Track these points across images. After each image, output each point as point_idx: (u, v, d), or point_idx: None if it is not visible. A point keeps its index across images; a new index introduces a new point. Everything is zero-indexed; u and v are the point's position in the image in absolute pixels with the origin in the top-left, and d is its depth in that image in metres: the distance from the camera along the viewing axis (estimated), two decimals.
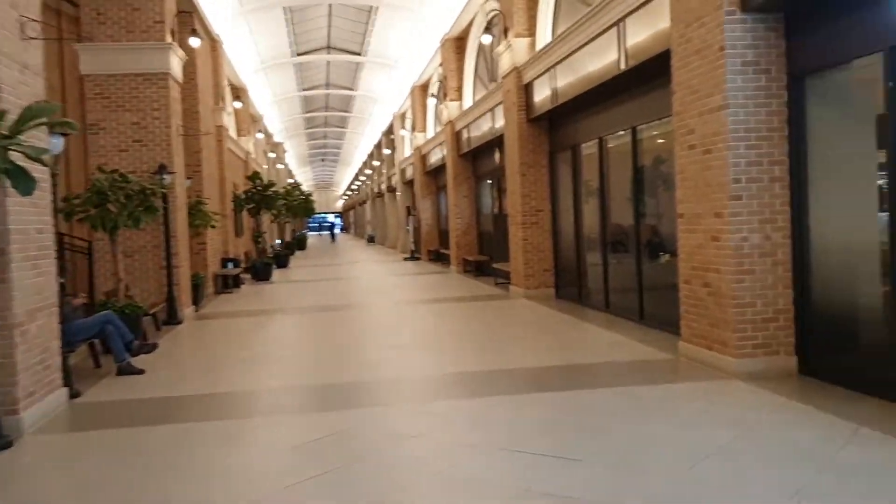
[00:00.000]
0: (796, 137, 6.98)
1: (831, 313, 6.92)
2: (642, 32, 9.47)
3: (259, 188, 24.19)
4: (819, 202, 6.94)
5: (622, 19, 10.03)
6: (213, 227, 16.71)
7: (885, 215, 6.11)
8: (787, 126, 7.01)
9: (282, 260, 28.49)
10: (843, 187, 6.89)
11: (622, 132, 11.24)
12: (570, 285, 13.94)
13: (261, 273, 22.33)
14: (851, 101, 6.85)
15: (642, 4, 9.38)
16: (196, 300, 14.99)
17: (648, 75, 9.63)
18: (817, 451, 4.90)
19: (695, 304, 7.68)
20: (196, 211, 15.62)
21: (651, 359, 8.19)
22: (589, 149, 12.81)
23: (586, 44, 11.35)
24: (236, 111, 25.70)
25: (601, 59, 10.87)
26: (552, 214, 14.60)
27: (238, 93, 26.53)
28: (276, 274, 24.40)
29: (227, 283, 19.06)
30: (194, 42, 14.73)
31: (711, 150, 7.24)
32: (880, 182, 6.43)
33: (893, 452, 4.79)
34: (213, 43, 20.01)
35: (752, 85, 6.98)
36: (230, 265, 20.08)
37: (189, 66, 15.70)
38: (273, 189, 24.89)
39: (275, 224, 36.39)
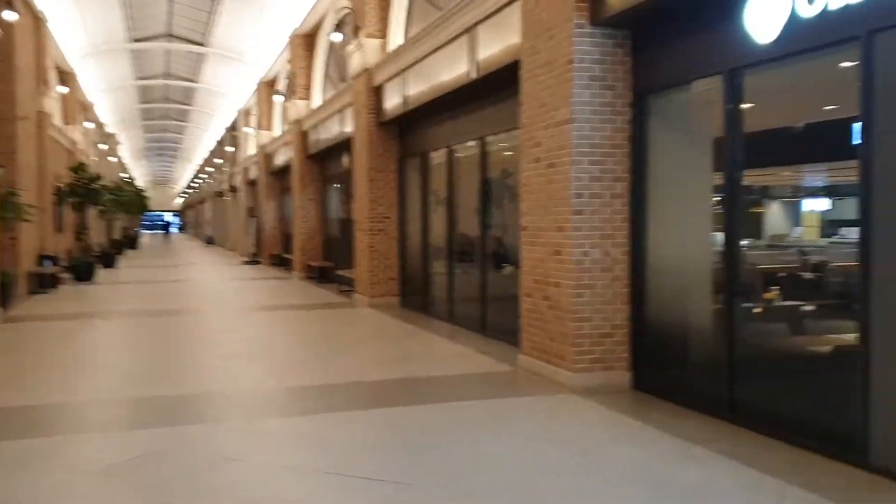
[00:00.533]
0: (638, 155, 7.07)
1: (664, 330, 7.05)
2: (493, 42, 9.40)
3: (84, 181, 22.40)
4: (657, 220, 7.06)
5: (473, 27, 9.93)
6: (27, 220, 15.19)
7: (718, 235, 6.26)
8: (629, 143, 7.09)
9: (108, 259, 26.55)
10: (679, 207, 7.04)
11: (471, 142, 11.16)
12: (415, 294, 13.73)
13: (83, 273, 20.62)
14: (691, 121, 7.03)
15: (493, 13, 9.31)
16: (4, 301, 13.52)
17: (499, 86, 9.57)
18: (651, 470, 4.87)
19: (536, 317, 7.62)
20: (7, 202, 14.12)
21: (491, 371, 8.07)
22: (438, 157, 12.67)
23: (437, 49, 11.19)
24: (63, 97, 23.72)
25: (452, 67, 10.73)
26: (399, 222, 14.34)
27: (65, 77, 24.52)
28: (102, 274, 22.68)
29: (44, 283, 17.43)
30: (9, 15, 13.32)
31: (556, 163, 7.21)
32: (714, 203, 6.62)
33: (723, 472, 4.83)
34: (35, 20, 18.31)
35: (598, 100, 7.00)
36: (47, 263, 18.38)
37: (6, 44, 14.21)
38: (100, 182, 23.14)
39: (103, 220, 33.97)
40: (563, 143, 7.07)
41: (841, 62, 5.11)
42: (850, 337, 5.92)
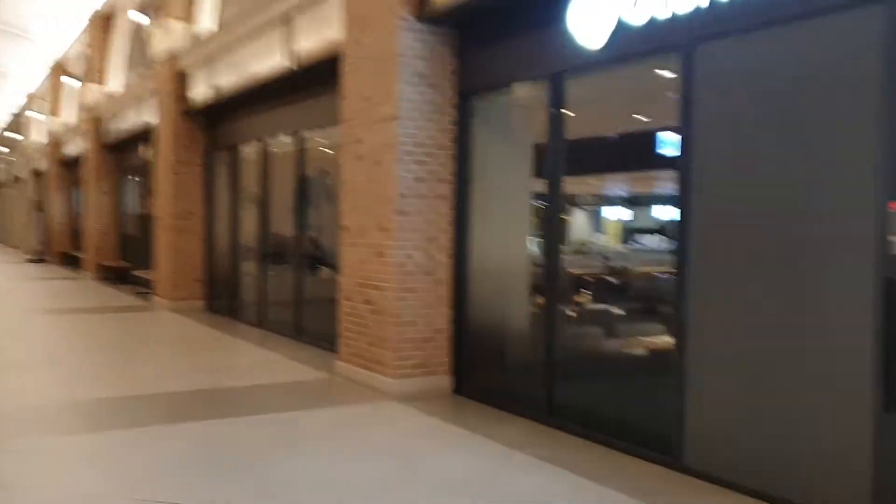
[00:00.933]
0: (462, 157, 6.95)
1: (485, 333, 6.99)
2: (313, 32, 8.97)
3: None
4: (480, 224, 6.98)
5: (291, 15, 9.44)
6: None
7: (537, 240, 6.28)
8: (454, 145, 6.96)
9: None
10: (501, 211, 7.02)
11: (287, 137, 10.63)
12: (223, 298, 12.92)
13: None
14: (513, 125, 7.03)
15: (314, 1, 8.88)
16: None
17: (318, 78, 9.13)
18: (475, 480, 4.70)
19: (355, 321, 7.30)
20: None
21: (307, 379, 7.64)
22: (251, 151, 11.99)
23: (251, 37, 10.55)
24: None
25: (267, 56, 10.16)
26: (206, 220, 13.45)
27: None
28: None
29: None
30: None
31: (380, 161, 6.94)
32: (533, 208, 6.65)
33: (546, 479, 4.75)
34: None
35: (423, 98, 6.81)
36: None
37: None
38: None
39: None
40: (388, 141, 6.81)
41: (665, 71, 5.22)
42: (663, 340, 6.16)
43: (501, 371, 6.89)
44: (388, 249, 6.79)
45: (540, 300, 6.26)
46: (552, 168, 5.90)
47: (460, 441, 5.54)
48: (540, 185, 6.23)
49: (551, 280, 5.95)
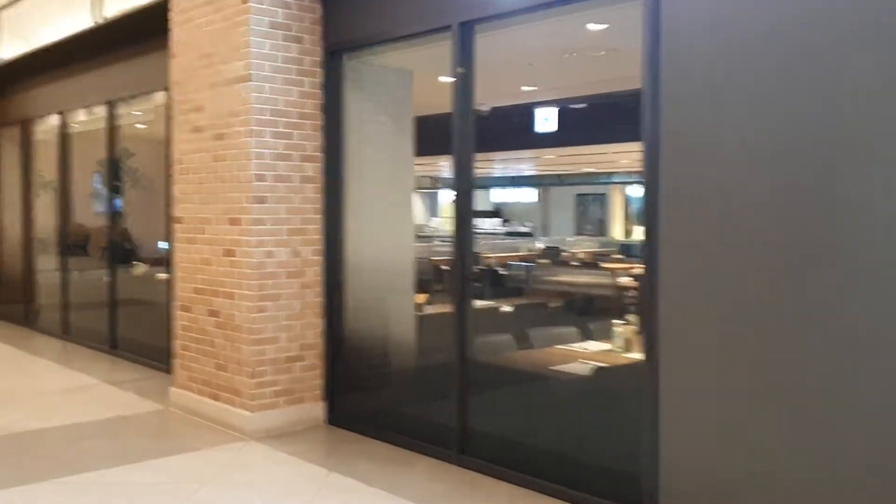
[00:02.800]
0: (333, 129, 5.59)
1: (367, 347, 5.73)
2: None
3: None
4: (356, 212, 5.68)
5: None
6: None
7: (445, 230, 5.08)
8: (322, 114, 5.58)
9: None
10: (383, 195, 5.78)
11: (94, 108, 8.69)
12: (13, 302, 10.61)
13: None
14: (396, 92, 5.79)
15: None
16: None
17: (136, 34, 7.34)
18: None
19: (197, 338, 5.75)
20: None
21: (134, 413, 5.99)
22: (46, 127, 9.83)
23: None
24: None
25: (63, 8, 8.17)
26: None
27: None
28: None
29: None
30: None
31: (227, 134, 5.44)
32: (429, 191, 5.45)
33: None
34: None
35: (282, 55, 5.37)
36: None
37: None
38: None
39: None
40: (238, 109, 5.32)
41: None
42: (612, 351, 5.19)
43: (392, 394, 5.66)
44: (242, 246, 5.32)
45: (437, 301, 5.10)
46: (460, 143, 4.70)
47: (347, 497, 4.25)
48: (420, 165, 5.03)
49: (460, 276, 4.77)
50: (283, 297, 5.41)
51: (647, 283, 3.73)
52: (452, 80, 4.66)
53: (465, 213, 4.73)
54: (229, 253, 5.43)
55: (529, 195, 20.59)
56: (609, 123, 7.65)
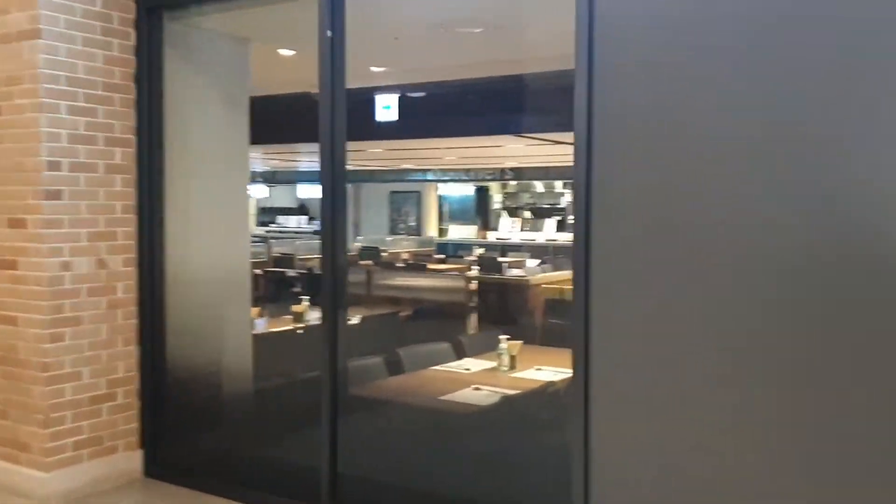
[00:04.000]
0: (150, 106, 4.44)
1: (193, 379, 4.65)
2: None
3: None
4: (180, 210, 4.58)
5: None
6: None
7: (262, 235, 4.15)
8: (136, 86, 4.42)
9: None
10: (213, 190, 4.74)
11: None
12: None
13: None
14: (233, 62, 4.78)
15: None
16: None
17: None
18: None
19: None
20: None
21: None
22: None
23: None
24: None
25: None
26: None
27: None
28: None
29: None
30: None
31: (5, 108, 4.14)
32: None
33: None
34: None
35: (82, 7, 4.16)
36: None
37: None
38: None
39: None
40: (21, 74, 4.05)
41: None
42: (481, 367, 4.48)
43: (231, 434, 4.61)
44: (29, 256, 4.05)
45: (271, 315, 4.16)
46: (331, 127, 3.79)
47: None
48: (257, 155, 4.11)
49: (333, 286, 3.86)
50: (86, 320, 4.20)
51: (577, 290, 3.07)
52: (318, 47, 3.75)
53: (336, 211, 3.84)
54: (10, 265, 4.12)
55: None
56: (473, 113, 7.01)
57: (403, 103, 6.90)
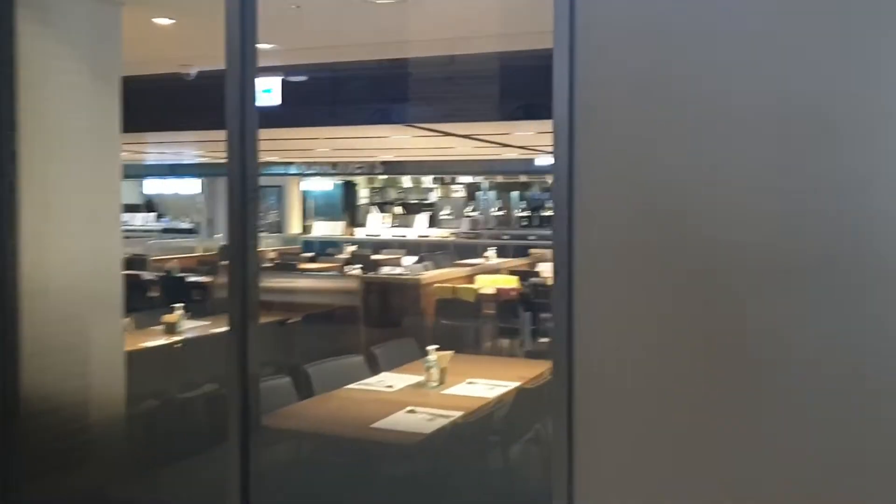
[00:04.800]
0: (3, 85, 3.64)
1: (55, 409, 3.88)
2: None
3: None
4: (37, 204, 3.79)
5: None
6: None
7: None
8: None
9: None
10: (79, 181, 3.98)
11: None
12: None
13: None
14: (101, 30, 4.05)
15: None
16: None
17: None
18: None
19: None
20: None
21: None
22: None
23: None
24: None
25: None
26: None
27: None
28: None
29: None
30: None
31: None
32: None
33: None
34: None
35: None
36: None
37: None
38: None
39: None
40: None
41: None
42: (405, 383, 3.93)
43: (104, 474, 3.86)
44: None
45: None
46: (241, 112, 3.19)
47: None
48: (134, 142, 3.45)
49: (242, 292, 3.24)
50: None
51: (559, 291, 2.65)
52: (225, 12, 3.13)
53: (246, 209, 3.23)
54: None
55: (191, 186, 18.36)
56: (363, 101, 6.41)
57: (288, 87, 6.25)
